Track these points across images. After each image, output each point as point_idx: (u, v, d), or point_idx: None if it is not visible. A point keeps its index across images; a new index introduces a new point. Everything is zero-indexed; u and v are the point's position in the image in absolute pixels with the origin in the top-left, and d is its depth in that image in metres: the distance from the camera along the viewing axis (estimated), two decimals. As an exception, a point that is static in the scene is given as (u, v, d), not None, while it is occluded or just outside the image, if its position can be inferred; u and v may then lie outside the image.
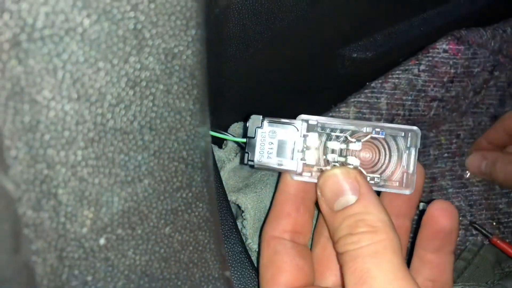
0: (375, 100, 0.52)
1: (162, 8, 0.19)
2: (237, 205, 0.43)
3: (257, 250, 0.42)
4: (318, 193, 0.31)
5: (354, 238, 0.28)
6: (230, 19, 0.35)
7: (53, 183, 0.19)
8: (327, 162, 0.33)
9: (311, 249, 0.36)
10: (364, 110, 0.52)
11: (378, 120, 0.52)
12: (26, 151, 0.18)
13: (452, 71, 0.52)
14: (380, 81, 0.52)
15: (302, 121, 0.34)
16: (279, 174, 0.39)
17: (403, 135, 0.34)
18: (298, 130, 0.33)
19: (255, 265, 0.40)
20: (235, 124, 0.46)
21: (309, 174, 0.33)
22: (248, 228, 0.42)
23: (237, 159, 0.46)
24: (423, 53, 0.53)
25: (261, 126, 0.34)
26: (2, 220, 0.17)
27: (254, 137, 0.33)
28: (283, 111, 0.49)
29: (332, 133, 0.33)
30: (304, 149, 0.33)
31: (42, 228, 0.19)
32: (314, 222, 0.37)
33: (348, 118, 0.51)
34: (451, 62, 0.52)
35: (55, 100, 0.18)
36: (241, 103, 0.45)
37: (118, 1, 0.18)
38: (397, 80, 0.52)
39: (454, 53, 0.53)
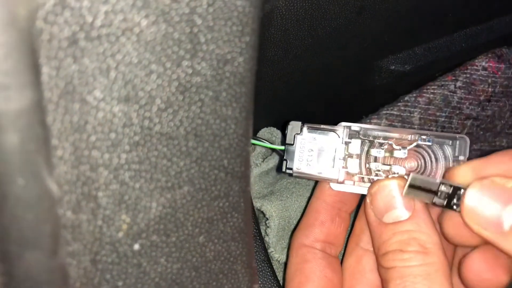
0: (408, 114, 0.51)
1: (220, 13, 0.18)
2: (261, 211, 0.43)
3: (278, 259, 0.41)
4: (368, 201, 0.30)
5: (405, 255, 0.27)
6: (272, 24, 0.34)
7: (94, 185, 0.18)
8: (369, 171, 0.32)
9: (342, 260, 0.35)
10: (396, 124, 0.51)
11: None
12: (71, 152, 0.17)
13: (490, 89, 0.51)
14: (414, 94, 0.51)
15: (344, 127, 0.32)
16: (315, 182, 0.38)
17: (450, 143, 0.32)
18: (339, 137, 0.32)
19: (276, 274, 0.39)
20: (265, 129, 0.45)
21: (350, 183, 0.32)
22: (272, 236, 0.41)
23: (264, 165, 0.45)
24: (460, 69, 0.51)
25: (300, 132, 0.32)
26: (44, 222, 0.16)
27: (293, 144, 0.32)
28: (314, 119, 0.48)
29: (375, 140, 0.32)
30: (346, 156, 0.32)
31: (80, 231, 0.19)
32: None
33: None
34: (489, 81, 0.51)
35: (105, 101, 0.17)
36: (273, 108, 0.45)
37: (177, 3, 0.17)
38: (432, 95, 0.51)
39: (493, 71, 0.51)
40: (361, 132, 0.32)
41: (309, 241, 0.33)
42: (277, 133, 0.45)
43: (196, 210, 0.22)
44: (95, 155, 0.18)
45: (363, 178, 0.32)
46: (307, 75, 0.42)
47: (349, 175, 0.32)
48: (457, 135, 0.33)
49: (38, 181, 0.16)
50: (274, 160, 0.45)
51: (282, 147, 0.33)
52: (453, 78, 0.50)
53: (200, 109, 0.20)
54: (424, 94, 0.50)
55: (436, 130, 0.51)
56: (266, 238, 0.41)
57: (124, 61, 0.17)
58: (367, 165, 0.32)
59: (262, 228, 0.42)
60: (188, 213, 0.22)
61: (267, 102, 0.44)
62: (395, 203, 0.29)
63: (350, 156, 0.32)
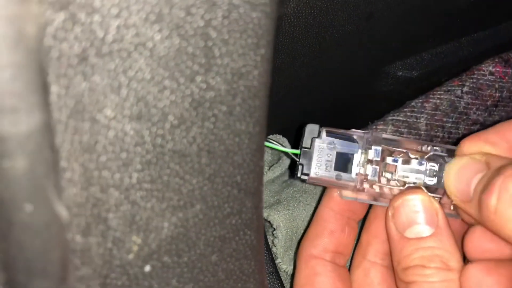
0: (414, 120, 0.50)
1: (235, 25, 0.18)
2: (268, 221, 0.42)
3: (286, 270, 0.40)
4: (390, 214, 0.30)
5: (426, 271, 0.27)
6: (281, 31, 0.33)
7: (105, 207, 0.18)
8: (387, 180, 0.30)
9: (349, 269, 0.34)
10: (402, 129, 0.50)
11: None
12: (81, 173, 0.16)
13: (497, 94, 0.50)
14: (420, 100, 0.50)
15: (364, 133, 0.31)
16: (322, 191, 0.37)
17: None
18: (358, 143, 0.31)
19: (285, 286, 0.38)
20: (271, 136, 0.45)
21: (365, 192, 0.31)
22: (279, 247, 0.40)
23: (270, 173, 0.44)
24: (467, 74, 0.50)
25: (318, 136, 0.31)
26: (53, 248, 0.15)
27: (310, 148, 0.31)
28: (320, 126, 0.48)
29: (393, 149, 0.31)
30: (365, 164, 0.31)
31: (89, 254, 0.18)
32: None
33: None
34: (496, 85, 0.50)
35: (116, 119, 0.16)
36: (279, 115, 0.44)
37: (192, 16, 0.16)
38: (438, 101, 0.50)
39: (500, 76, 0.50)
40: (381, 140, 0.31)
41: (318, 251, 0.32)
42: (283, 140, 0.45)
43: (209, 228, 0.21)
44: (106, 175, 0.17)
45: (380, 186, 0.31)
46: (314, 81, 0.41)
47: (368, 182, 0.31)
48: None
49: (46, 206, 0.15)
50: (280, 168, 0.44)
51: (296, 151, 0.31)
52: (460, 83, 0.50)
53: (214, 125, 0.19)
54: (431, 100, 0.49)
55: (443, 136, 0.51)
56: (274, 249, 0.41)
57: (136, 77, 0.16)
58: (385, 174, 0.31)
59: (269, 238, 0.41)
60: (200, 232, 0.21)
61: (273, 109, 0.43)
62: (418, 219, 0.28)
63: (369, 163, 0.31)
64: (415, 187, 0.30)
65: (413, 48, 0.43)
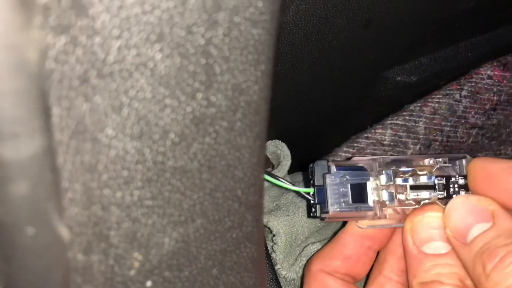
0: (413, 124, 0.50)
1: (236, 42, 0.18)
2: (267, 227, 0.42)
3: (286, 276, 0.40)
4: (407, 227, 0.30)
5: (444, 287, 0.27)
6: (280, 39, 0.33)
7: (106, 225, 0.18)
8: (401, 201, 0.30)
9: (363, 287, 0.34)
10: (401, 133, 0.50)
11: (415, 144, 0.50)
12: (82, 192, 0.16)
13: (496, 98, 0.50)
14: (419, 104, 0.50)
15: (373, 161, 0.31)
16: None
17: (457, 163, 0.32)
18: (369, 171, 0.30)
19: (285, 293, 0.38)
20: (270, 141, 0.44)
21: (388, 216, 0.31)
22: (278, 253, 0.40)
23: (268, 177, 0.44)
24: (465, 78, 0.51)
25: (328, 171, 0.30)
26: (55, 269, 0.15)
27: (322, 186, 0.30)
28: (320, 131, 0.48)
29: (403, 169, 0.31)
30: (380, 190, 0.30)
31: (91, 272, 0.18)
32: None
33: (385, 141, 0.50)
34: (495, 89, 0.50)
35: (118, 138, 0.16)
36: (278, 121, 0.44)
37: (192, 35, 0.16)
38: (437, 105, 0.50)
39: (498, 80, 0.50)
40: (389, 163, 0.31)
41: (328, 270, 0.32)
42: (282, 146, 0.45)
43: (209, 242, 0.21)
44: (107, 194, 0.17)
45: (397, 210, 0.31)
46: (313, 87, 0.41)
47: (386, 207, 0.31)
48: (464, 155, 0.32)
49: (48, 228, 0.15)
50: (279, 173, 0.44)
51: (310, 190, 0.31)
52: (458, 87, 0.50)
53: (215, 140, 0.19)
54: (429, 104, 0.49)
55: (441, 140, 0.51)
56: (273, 255, 0.41)
57: (138, 97, 0.16)
58: (400, 195, 0.30)
59: (269, 244, 0.41)
60: (201, 246, 0.21)
61: (272, 115, 0.43)
62: (436, 235, 0.29)
63: (383, 188, 0.30)
64: (433, 203, 0.30)
65: (412, 53, 0.43)
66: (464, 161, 0.32)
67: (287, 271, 0.40)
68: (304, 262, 0.39)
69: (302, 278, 0.38)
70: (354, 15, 0.35)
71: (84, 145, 0.16)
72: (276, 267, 0.40)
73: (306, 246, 0.40)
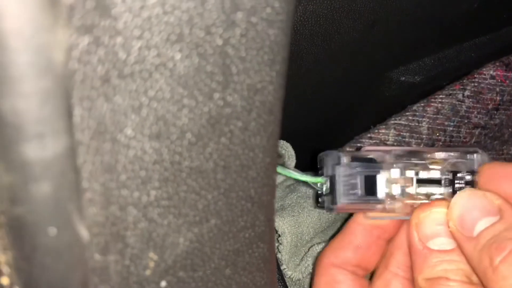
0: (416, 124, 0.51)
1: (253, 43, 0.18)
2: (273, 227, 0.42)
3: (291, 276, 0.40)
4: (413, 222, 0.29)
5: (450, 283, 0.27)
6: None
7: (123, 225, 0.18)
8: (411, 195, 0.30)
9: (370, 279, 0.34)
10: (404, 133, 0.51)
11: (418, 144, 0.50)
12: (101, 193, 0.16)
13: (498, 98, 0.51)
14: (422, 104, 0.50)
15: (384, 153, 0.30)
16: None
17: (468, 157, 0.32)
18: (380, 163, 0.30)
19: (291, 293, 0.38)
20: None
21: (394, 211, 0.31)
22: (284, 253, 0.40)
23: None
24: (468, 78, 0.51)
25: (339, 162, 0.29)
26: (75, 269, 0.15)
27: (333, 176, 0.29)
28: (324, 131, 0.48)
29: (411, 161, 0.30)
30: (391, 183, 0.30)
31: (107, 272, 0.18)
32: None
33: (388, 141, 0.50)
34: (497, 89, 0.51)
35: (136, 138, 0.16)
36: (283, 121, 0.44)
37: (211, 35, 0.16)
38: (440, 105, 0.50)
39: (501, 80, 0.51)
40: (399, 156, 0.30)
41: (339, 262, 0.32)
42: (286, 146, 0.45)
43: (223, 242, 0.21)
44: (125, 194, 0.17)
45: (407, 203, 0.30)
46: (319, 87, 0.41)
47: (395, 201, 0.30)
48: (475, 149, 0.32)
49: (70, 229, 0.15)
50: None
51: (319, 179, 0.30)
52: (461, 87, 0.50)
53: (230, 140, 0.19)
54: (432, 104, 0.50)
55: (444, 140, 0.51)
56: (279, 255, 0.41)
57: (157, 97, 0.16)
58: (411, 189, 0.30)
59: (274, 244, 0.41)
60: (215, 246, 0.21)
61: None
62: (442, 231, 0.29)
63: (394, 182, 0.30)
64: (441, 199, 0.30)
65: (416, 53, 0.44)
66: (475, 155, 0.31)
67: (293, 271, 0.40)
68: (310, 263, 0.40)
69: (311, 277, 0.38)
70: (360, 16, 0.35)
71: (104, 145, 0.16)
72: (281, 267, 0.40)
73: (311, 247, 0.40)
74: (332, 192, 0.29)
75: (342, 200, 0.29)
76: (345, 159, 0.29)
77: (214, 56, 0.17)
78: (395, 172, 0.30)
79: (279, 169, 0.31)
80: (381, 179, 0.30)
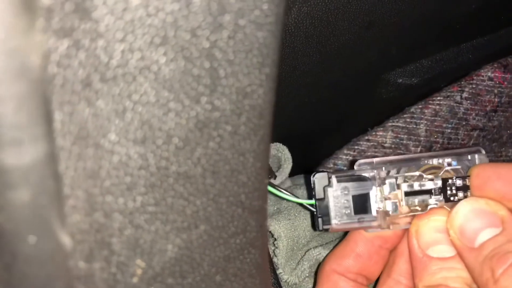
0: (414, 126, 0.50)
1: (241, 45, 0.17)
2: (269, 231, 0.41)
3: (288, 280, 0.40)
4: (413, 230, 0.29)
5: None
6: (282, 42, 0.33)
7: (108, 232, 0.17)
8: (407, 208, 0.30)
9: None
10: (402, 136, 0.50)
11: (416, 147, 0.50)
12: (84, 199, 0.16)
13: (497, 100, 0.50)
14: (420, 106, 0.50)
15: (373, 169, 0.30)
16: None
17: (469, 158, 0.31)
18: (371, 181, 0.30)
19: (287, 297, 0.38)
20: (271, 144, 0.44)
21: (390, 228, 0.30)
22: (280, 257, 0.40)
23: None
24: (466, 80, 0.50)
25: (329, 184, 0.30)
26: (57, 278, 0.15)
27: (324, 198, 0.30)
28: (321, 133, 0.47)
29: (405, 174, 0.30)
30: (383, 199, 0.30)
31: (93, 280, 0.17)
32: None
33: (386, 143, 0.49)
34: (495, 91, 0.50)
35: (120, 144, 0.16)
36: (279, 123, 0.43)
37: (197, 38, 0.16)
38: (438, 107, 0.50)
39: (499, 81, 0.50)
40: (390, 169, 0.30)
41: (340, 269, 0.32)
42: (283, 149, 0.44)
43: (213, 249, 0.21)
44: (109, 200, 0.17)
45: (403, 217, 0.30)
46: (314, 90, 0.41)
47: (390, 217, 0.30)
48: (474, 148, 0.31)
49: (50, 236, 0.14)
50: (280, 177, 0.44)
51: (311, 201, 0.31)
52: (459, 89, 0.49)
53: (219, 145, 0.19)
54: (430, 106, 0.49)
55: (442, 142, 0.51)
56: (275, 259, 0.40)
57: (141, 101, 0.16)
58: (405, 202, 0.30)
59: (270, 248, 0.41)
60: (205, 252, 0.21)
61: (274, 117, 0.43)
62: (442, 239, 0.29)
63: (387, 198, 0.30)
64: (439, 208, 0.30)
65: (413, 55, 0.43)
66: (476, 156, 0.31)
67: (289, 275, 0.40)
68: (306, 267, 0.39)
69: (314, 281, 0.38)
70: (356, 17, 0.35)
71: (87, 151, 0.15)
72: (278, 271, 0.40)
73: (308, 251, 0.40)
74: (325, 214, 0.30)
75: (335, 221, 0.30)
76: (335, 181, 0.30)
77: (201, 59, 0.16)
78: (387, 189, 0.30)
79: (273, 190, 0.32)
80: (373, 196, 0.30)
